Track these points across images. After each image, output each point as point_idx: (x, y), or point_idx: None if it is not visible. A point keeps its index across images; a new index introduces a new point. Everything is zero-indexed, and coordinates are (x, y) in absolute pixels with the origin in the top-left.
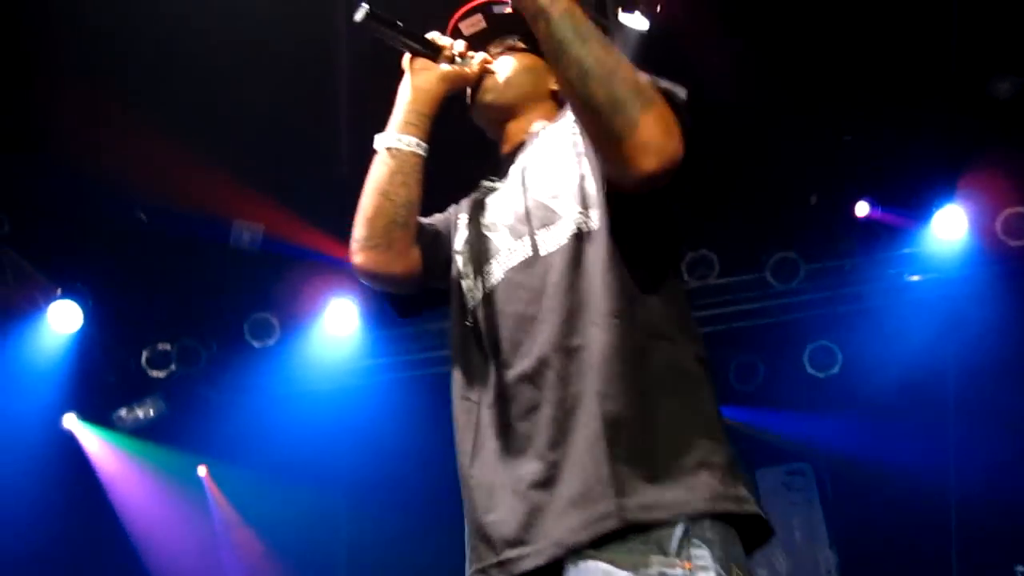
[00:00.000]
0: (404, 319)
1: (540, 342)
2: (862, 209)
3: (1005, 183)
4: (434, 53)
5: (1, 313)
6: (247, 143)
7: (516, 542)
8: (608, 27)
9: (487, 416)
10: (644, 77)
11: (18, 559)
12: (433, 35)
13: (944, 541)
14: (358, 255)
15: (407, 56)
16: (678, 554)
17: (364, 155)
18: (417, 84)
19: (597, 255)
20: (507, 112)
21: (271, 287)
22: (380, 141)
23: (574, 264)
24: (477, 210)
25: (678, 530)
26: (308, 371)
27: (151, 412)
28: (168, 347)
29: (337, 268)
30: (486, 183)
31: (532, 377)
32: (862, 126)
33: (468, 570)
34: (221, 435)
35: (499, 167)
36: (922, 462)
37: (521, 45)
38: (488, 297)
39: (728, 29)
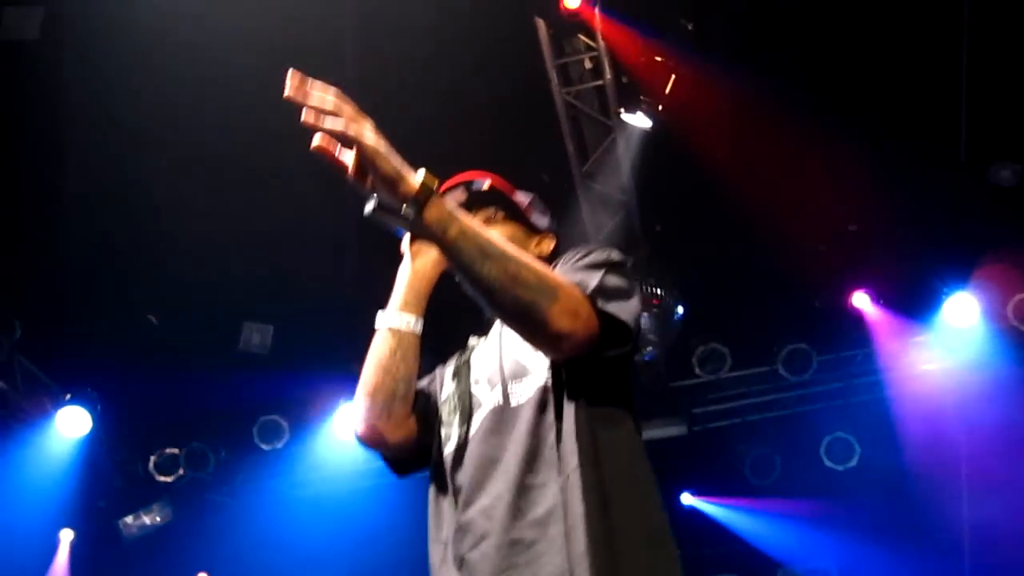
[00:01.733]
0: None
1: (499, 480)
2: (860, 300)
3: (1015, 269)
4: None
5: (11, 418)
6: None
7: None
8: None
9: (449, 552)
10: (542, 270)
11: None
12: None
13: None
14: (360, 426)
15: (407, 239)
16: None
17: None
18: (416, 267)
19: (561, 406)
20: None
21: (281, 390)
22: (383, 320)
23: (540, 412)
24: (463, 367)
25: None
26: (317, 473)
27: (157, 518)
28: (176, 451)
29: (346, 372)
30: (472, 341)
31: (487, 510)
32: (869, 214)
33: None
34: (229, 540)
35: (484, 327)
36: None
37: (501, 215)
38: (463, 446)
39: (736, 124)
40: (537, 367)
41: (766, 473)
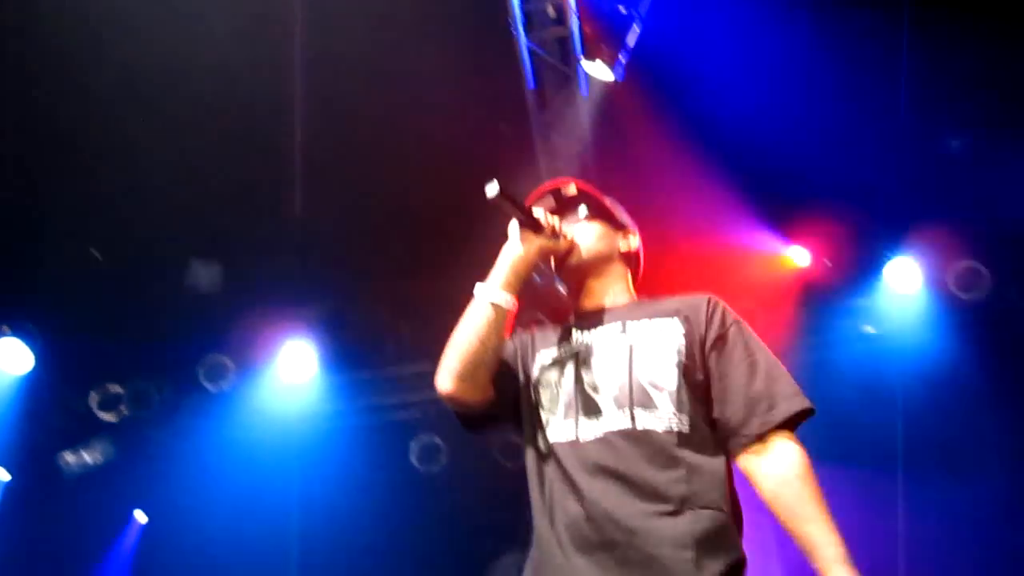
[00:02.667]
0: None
1: (629, 497)
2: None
3: (957, 238)
4: (538, 229)
5: None
6: (203, 188)
7: None
8: (522, 219)
9: (567, 536)
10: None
11: None
12: (538, 214)
13: None
14: (447, 382)
15: (514, 224)
16: None
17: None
18: (522, 255)
19: (685, 451)
20: (588, 272)
21: (227, 329)
22: (484, 293)
23: (665, 450)
24: (569, 358)
25: None
26: (262, 416)
27: (99, 456)
28: (119, 389)
29: (293, 311)
30: (575, 330)
31: (614, 520)
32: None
33: None
34: (172, 481)
35: (586, 319)
36: (869, 513)
37: (588, 215)
38: (584, 446)
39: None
40: (665, 407)
41: None
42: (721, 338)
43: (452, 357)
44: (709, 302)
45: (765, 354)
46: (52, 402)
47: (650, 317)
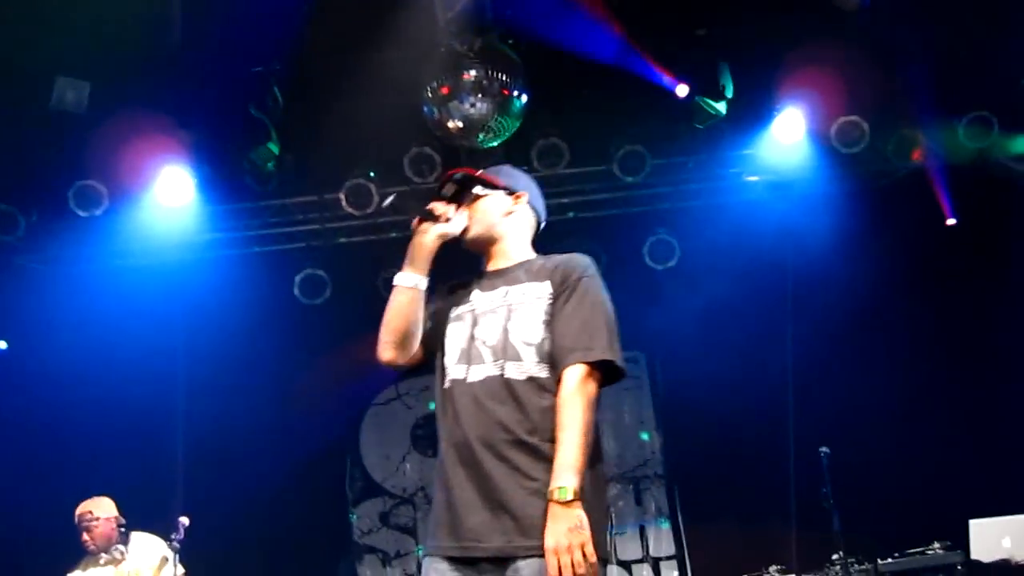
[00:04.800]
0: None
1: (497, 426)
2: (682, 91)
3: (842, 92)
4: (434, 218)
5: None
6: None
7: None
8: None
9: (456, 456)
10: (581, 423)
11: None
12: (432, 206)
13: (776, 425)
14: (384, 354)
15: (416, 220)
16: None
17: None
18: (423, 241)
19: (545, 390)
20: (484, 242)
21: (98, 152)
22: (401, 280)
23: (529, 392)
24: (467, 313)
25: None
26: (139, 243)
27: None
28: None
29: (169, 133)
30: (476, 290)
31: (482, 442)
32: (717, 20)
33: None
34: (44, 309)
35: (483, 281)
36: (757, 351)
37: (481, 192)
38: (469, 386)
39: None
40: (529, 357)
41: None
42: (567, 291)
43: (384, 333)
44: (573, 262)
45: (595, 308)
46: None
47: (529, 281)
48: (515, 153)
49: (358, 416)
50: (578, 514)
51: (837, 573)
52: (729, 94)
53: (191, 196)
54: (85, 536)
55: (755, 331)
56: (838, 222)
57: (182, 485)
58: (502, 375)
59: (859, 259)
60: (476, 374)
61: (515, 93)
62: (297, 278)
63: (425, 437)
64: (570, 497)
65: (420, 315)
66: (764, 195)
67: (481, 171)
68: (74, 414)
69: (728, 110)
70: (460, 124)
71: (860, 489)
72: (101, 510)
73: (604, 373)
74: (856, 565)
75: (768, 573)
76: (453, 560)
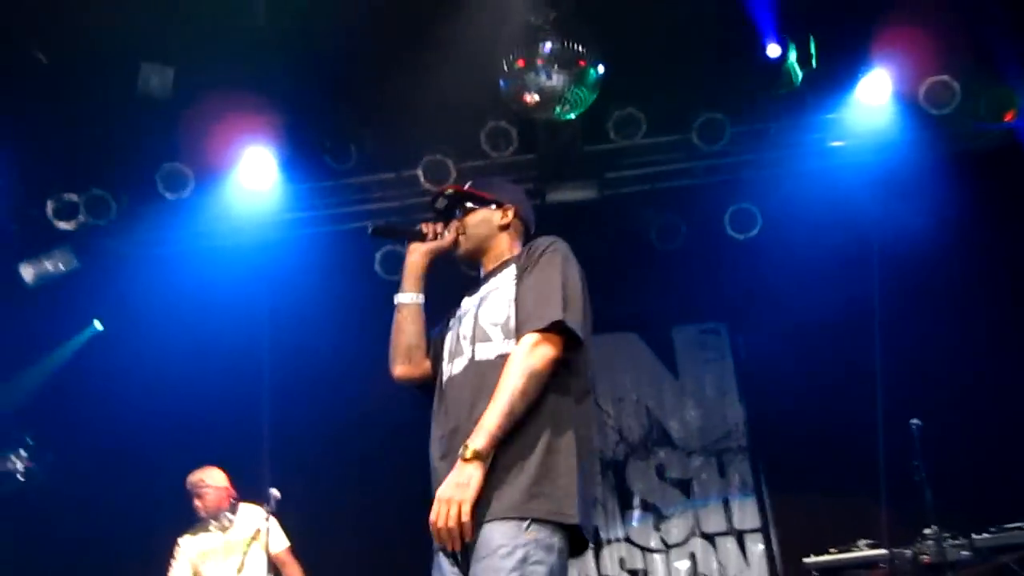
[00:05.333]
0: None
1: (467, 412)
2: (773, 50)
3: (930, 51)
4: (422, 237)
5: None
6: None
7: None
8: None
9: (439, 449)
10: (524, 377)
11: None
12: (420, 226)
13: (864, 397)
14: (393, 370)
15: (406, 242)
16: None
17: None
18: (413, 260)
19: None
20: (474, 253)
21: (183, 136)
22: (398, 298)
23: (494, 371)
24: (455, 320)
25: None
26: (224, 223)
27: (60, 265)
28: (75, 197)
29: (252, 115)
30: (467, 297)
31: (455, 430)
32: None
33: None
34: (134, 290)
35: (473, 288)
36: (844, 321)
37: (470, 206)
38: (451, 379)
39: None
40: (496, 336)
41: (671, 239)
42: (529, 267)
43: (391, 351)
44: (537, 242)
45: (550, 278)
46: (8, 211)
47: (502, 270)
48: (592, 125)
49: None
50: (470, 473)
51: (930, 547)
52: (814, 64)
53: (274, 176)
54: (196, 502)
55: (841, 300)
56: (926, 187)
57: (268, 457)
58: (473, 358)
59: (949, 225)
60: (457, 366)
61: (591, 64)
62: (378, 255)
63: None
64: (469, 456)
65: (420, 329)
66: (849, 161)
67: (469, 184)
68: (165, 391)
69: (811, 73)
70: (536, 97)
71: (953, 462)
72: (212, 479)
73: (568, 339)
74: (950, 540)
75: (857, 547)
76: (446, 552)
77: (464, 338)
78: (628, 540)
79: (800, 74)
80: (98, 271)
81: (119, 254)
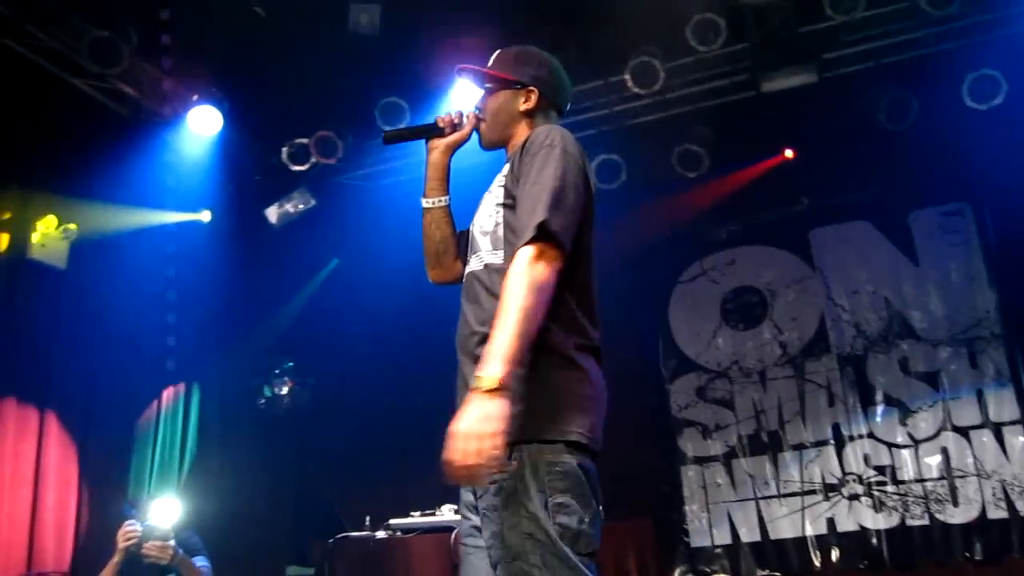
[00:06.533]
0: None
1: (464, 328)
2: None
3: None
4: (439, 131)
5: (144, 123)
6: None
7: None
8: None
9: (456, 342)
10: (524, 294)
11: None
12: (437, 117)
13: None
14: (429, 273)
15: (424, 141)
16: None
17: None
18: (432, 160)
19: (495, 281)
20: (497, 139)
21: (396, 70)
22: (423, 203)
23: (484, 282)
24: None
25: None
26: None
27: (300, 206)
28: (305, 141)
29: (460, 42)
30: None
31: (460, 345)
32: None
33: None
34: (367, 224)
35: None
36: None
37: (491, 87)
38: (466, 278)
39: None
40: (485, 246)
41: (902, 117)
42: (524, 170)
43: (424, 256)
44: (531, 138)
45: (542, 181)
46: (250, 162)
47: (504, 165)
48: (805, 3)
49: (666, 295)
50: (498, 403)
51: None
52: None
53: None
54: None
55: None
56: None
57: None
58: (469, 270)
59: None
60: (467, 270)
61: None
62: (592, 165)
63: (735, 311)
64: (491, 386)
65: (447, 233)
66: None
67: (492, 60)
68: (397, 319)
69: None
70: None
71: None
72: None
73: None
74: None
75: None
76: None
77: (474, 241)
78: (872, 436)
79: None
80: (332, 207)
81: (349, 188)
